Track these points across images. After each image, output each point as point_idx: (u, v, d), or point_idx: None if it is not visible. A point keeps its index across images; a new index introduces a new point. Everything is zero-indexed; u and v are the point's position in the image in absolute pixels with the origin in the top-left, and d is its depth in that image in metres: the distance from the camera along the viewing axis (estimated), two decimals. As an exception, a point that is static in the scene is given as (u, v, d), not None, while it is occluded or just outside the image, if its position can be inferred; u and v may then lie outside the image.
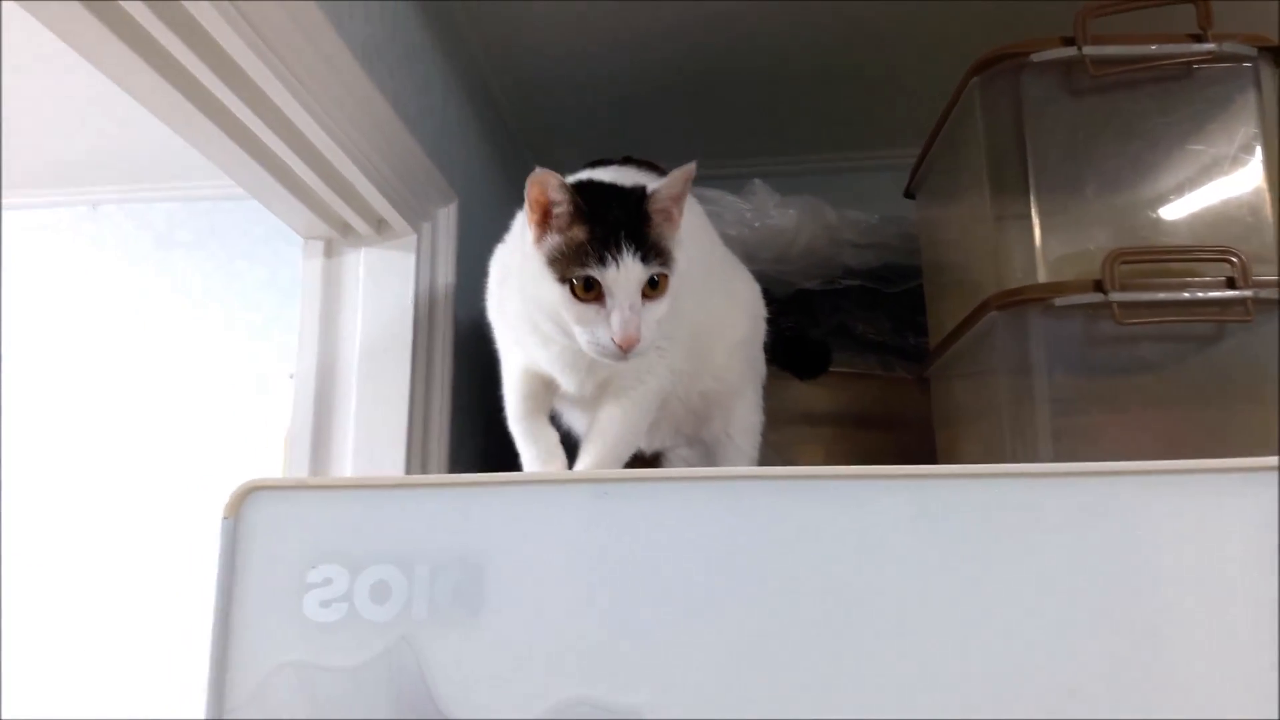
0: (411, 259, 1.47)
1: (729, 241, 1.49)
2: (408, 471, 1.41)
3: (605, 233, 0.95)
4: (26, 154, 2.17)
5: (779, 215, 1.51)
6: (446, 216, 1.56)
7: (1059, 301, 1.10)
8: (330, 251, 1.49)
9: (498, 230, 1.29)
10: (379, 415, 1.43)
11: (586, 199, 0.98)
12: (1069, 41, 1.15)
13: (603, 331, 0.95)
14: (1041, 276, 1.12)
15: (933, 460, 1.53)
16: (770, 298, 1.55)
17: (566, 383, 1.10)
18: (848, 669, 0.73)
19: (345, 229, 1.48)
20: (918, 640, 0.71)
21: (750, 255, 1.50)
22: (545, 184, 0.97)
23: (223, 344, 2.25)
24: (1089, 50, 1.14)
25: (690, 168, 0.99)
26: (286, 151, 1.22)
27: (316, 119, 1.17)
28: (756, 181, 1.58)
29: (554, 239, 0.99)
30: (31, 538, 2.12)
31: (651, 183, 1.01)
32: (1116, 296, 1.07)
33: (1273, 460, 0.65)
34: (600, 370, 1.07)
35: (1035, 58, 1.17)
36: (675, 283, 0.99)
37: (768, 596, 0.77)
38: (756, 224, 1.50)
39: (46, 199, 2.31)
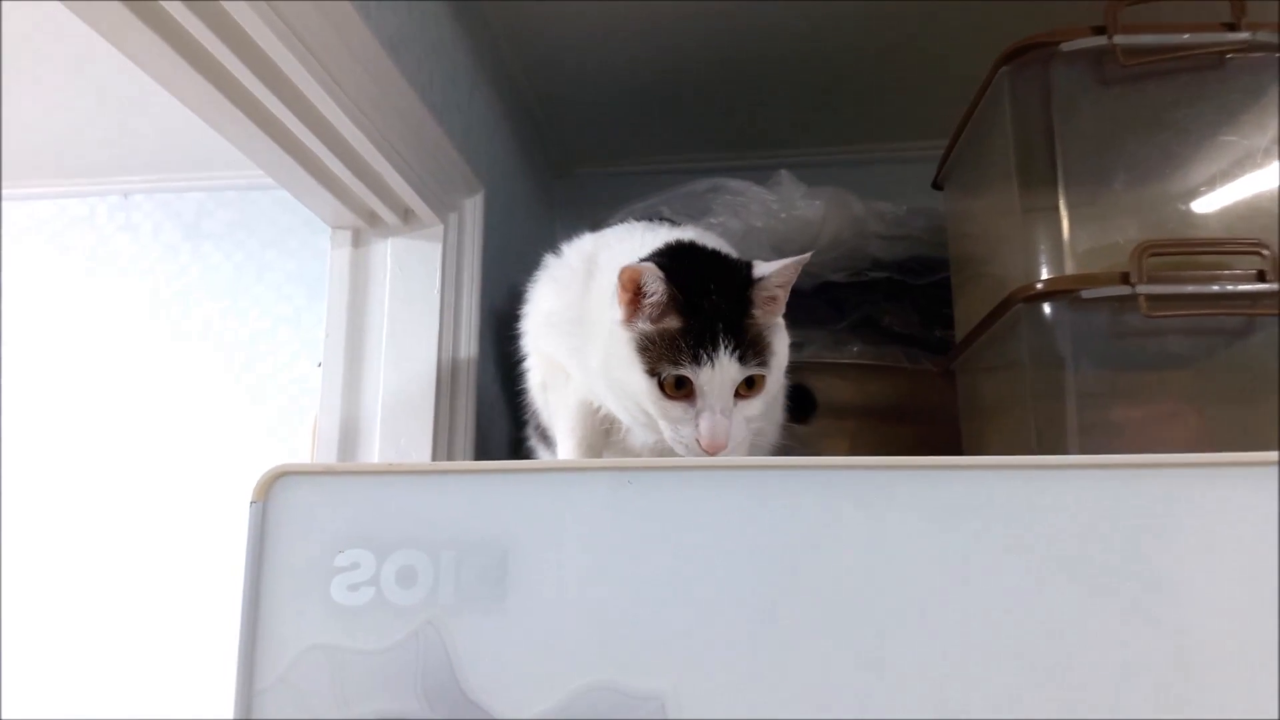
0: (438, 249, 1.48)
1: (754, 234, 1.49)
2: (434, 456, 1.42)
3: (701, 326, 0.87)
4: (58, 144, 2.19)
5: (805, 206, 1.50)
6: (473, 207, 1.56)
7: (1086, 293, 1.09)
8: (358, 241, 1.50)
9: (523, 221, 1.29)
10: (406, 404, 1.45)
11: (683, 283, 0.89)
12: (1099, 31, 1.14)
13: (689, 431, 0.88)
14: (1069, 269, 1.11)
15: (957, 454, 1.52)
16: (795, 291, 1.55)
17: (645, 438, 1.02)
18: (870, 659, 0.74)
19: (373, 219, 1.49)
20: (927, 632, 0.72)
21: (776, 247, 1.50)
22: (639, 277, 0.89)
23: (252, 334, 2.27)
24: (1119, 39, 1.13)
25: (805, 257, 0.92)
26: (313, 140, 1.23)
27: (344, 108, 1.18)
28: (783, 172, 1.57)
29: (644, 326, 0.91)
30: (55, 528, 2.15)
31: (759, 265, 0.92)
32: (1144, 289, 1.06)
33: (1273, 455, 0.65)
34: None
35: (1065, 47, 1.16)
36: (774, 379, 0.92)
37: (791, 585, 0.77)
38: (783, 215, 1.50)
39: (78, 189, 2.33)
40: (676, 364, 0.87)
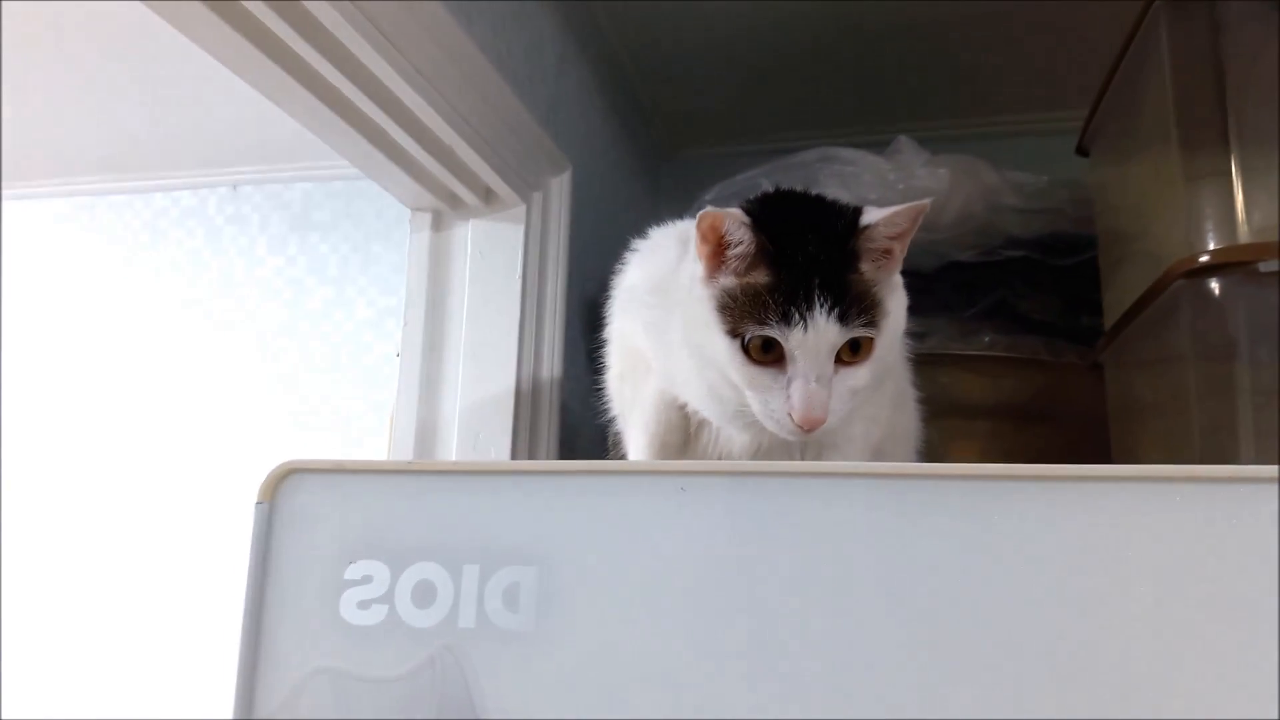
0: (520, 231, 1.37)
1: (867, 205, 1.33)
2: (514, 454, 1.31)
3: (794, 281, 0.75)
4: (171, 136, 2.19)
5: (928, 175, 1.33)
6: (559, 186, 1.45)
7: (1264, 267, 0.89)
8: (438, 224, 1.41)
9: (621, 204, 1.16)
10: (485, 397, 1.34)
11: (774, 231, 0.77)
12: (1283, -51, 0.94)
13: (779, 404, 0.75)
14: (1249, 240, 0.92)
15: (1104, 458, 1.33)
16: (917, 272, 1.38)
17: (740, 438, 0.88)
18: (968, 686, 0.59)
19: (453, 200, 1.39)
20: (915, 638, 0.62)
21: (893, 224, 1.33)
22: (719, 224, 0.77)
23: (358, 325, 2.22)
24: (1310, -42, 0.93)
25: (925, 203, 0.78)
26: (376, 112, 1.14)
27: (406, 78, 1.08)
28: (901, 138, 1.40)
29: (728, 280, 0.78)
30: (132, 509, 2.15)
31: (870, 211, 0.79)
32: (1340, 261, 0.86)
33: (1273, 470, 0.57)
34: None
35: (1239, -29, 0.96)
36: (884, 344, 0.77)
37: (875, 608, 0.63)
38: (900, 185, 1.33)
39: (189, 180, 2.33)
40: (763, 323, 0.74)
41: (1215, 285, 0.94)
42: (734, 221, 0.76)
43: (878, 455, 0.93)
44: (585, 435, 1.49)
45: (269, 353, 2.22)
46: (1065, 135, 1.43)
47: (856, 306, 0.74)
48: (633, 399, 1.00)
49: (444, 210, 1.41)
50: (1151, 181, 1.12)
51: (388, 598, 0.70)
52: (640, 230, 1.09)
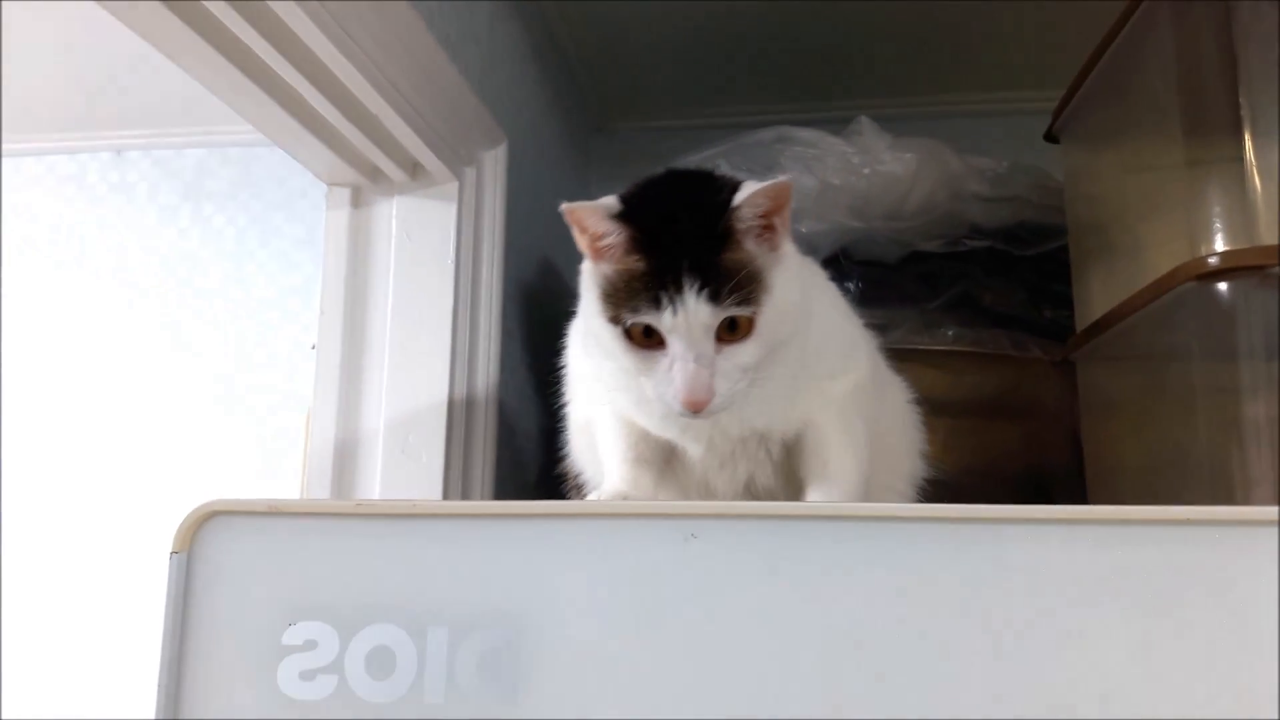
0: (453, 209, 1.25)
1: (831, 193, 1.24)
2: (447, 461, 1.19)
3: (664, 265, 0.76)
4: (46, 96, 1.98)
5: (893, 160, 1.25)
6: (494, 160, 1.32)
7: (1281, 270, 0.83)
8: (358, 201, 1.27)
9: (548, 176, 1.05)
10: (415, 395, 1.22)
11: (644, 221, 0.78)
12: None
13: (666, 386, 0.76)
14: (1263, 238, 0.86)
15: (1070, 456, 1.28)
16: (880, 263, 1.30)
17: (692, 449, 0.86)
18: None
19: (375, 174, 1.26)
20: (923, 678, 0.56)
21: (857, 210, 1.25)
22: (582, 220, 0.80)
23: (259, 305, 2.06)
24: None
25: (785, 182, 0.78)
26: (291, 73, 1.00)
27: (325, 31, 0.94)
28: (863, 119, 1.32)
29: (607, 268, 0.80)
30: (34, 507, 1.95)
31: (745, 187, 0.79)
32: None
33: (1273, 511, 0.55)
34: (735, 422, 0.83)
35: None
36: (769, 319, 0.77)
37: (905, 662, 0.56)
38: (865, 171, 1.24)
39: (66, 144, 2.12)
40: (636, 309, 0.76)
41: (1225, 288, 0.87)
42: (592, 213, 0.79)
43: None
44: (523, 433, 1.38)
45: (161, 337, 2.04)
46: (1027, 117, 1.37)
47: (728, 285, 0.74)
48: (601, 430, 0.92)
49: (364, 185, 1.28)
50: (1143, 168, 1.05)
51: (336, 666, 0.59)
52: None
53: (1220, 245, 0.89)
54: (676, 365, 0.75)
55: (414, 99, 1.13)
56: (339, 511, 0.61)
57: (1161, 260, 0.95)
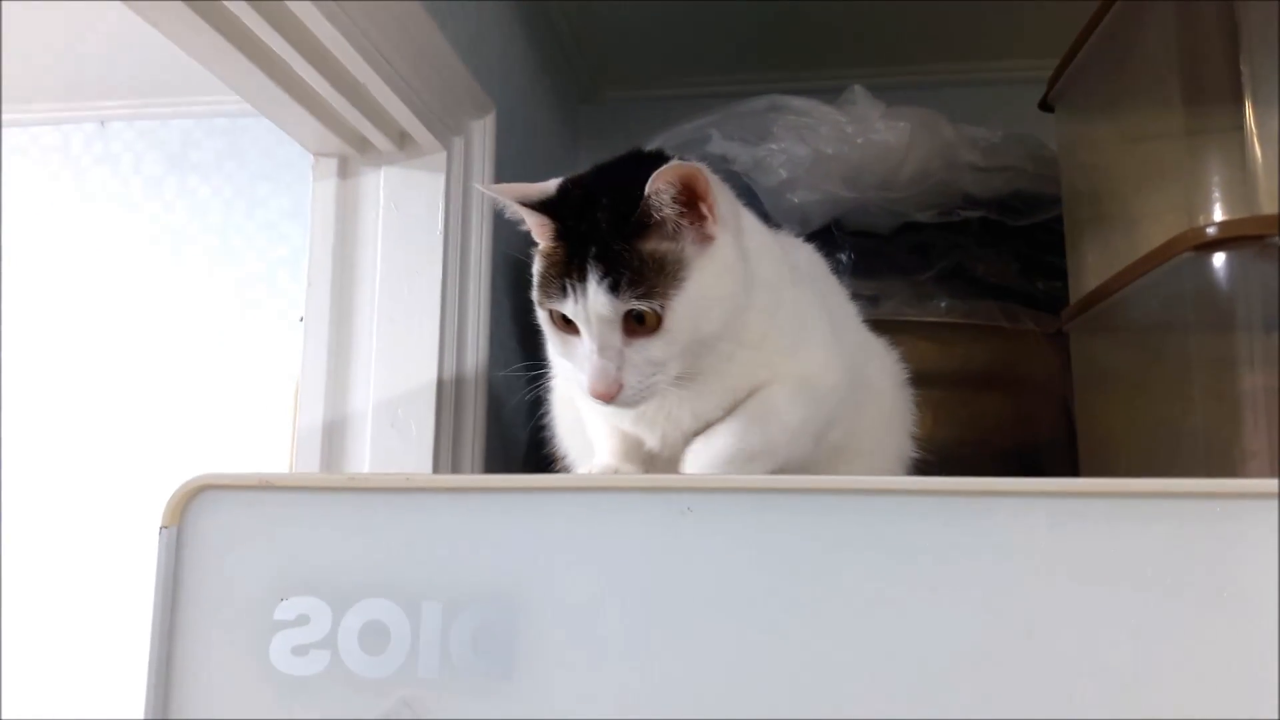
0: (440, 180, 1.23)
1: (823, 162, 1.23)
2: (437, 435, 1.18)
3: (572, 252, 0.75)
4: (28, 65, 1.95)
5: (886, 129, 1.23)
6: (482, 130, 1.30)
7: (1281, 240, 0.83)
8: (345, 171, 1.25)
9: (537, 146, 1.04)
10: (403, 368, 1.20)
11: (567, 202, 0.77)
12: None
13: (581, 374, 0.75)
14: (1264, 209, 0.85)
15: (1062, 429, 1.28)
16: (873, 233, 1.29)
17: (645, 435, 0.83)
18: None
19: (362, 144, 1.24)
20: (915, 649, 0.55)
21: (850, 180, 1.23)
22: (499, 201, 0.80)
23: (242, 279, 2.04)
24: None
25: (690, 167, 0.73)
26: (278, 41, 0.98)
27: (315, 2, 0.92)
28: (856, 88, 1.30)
29: (540, 250, 0.80)
30: (24, 484, 1.94)
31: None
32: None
33: (1272, 484, 0.54)
34: (687, 415, 0.80)
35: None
36: (680, 314, 0.73)
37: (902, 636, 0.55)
38: (859, 139, 1.23)
39: (50, 115, 2.08)
40: (549, 296, 0.76)
41: (1223, 258, 0.86)
42: (510, 193, 0.78)
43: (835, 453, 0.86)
44: (512, 407, 1.37)
45: (147, 310, 2.02)
46: (1021, 86, 1.36)
47: (632, 278, 0.72)
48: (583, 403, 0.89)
49: (351, 156, 1.26)
50: (1141, 138, 1.04)
51: (329, 642, 0.58)
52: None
53: (1219, 216, 0.88)
54: (582, 352, 0.74)
55: (401, 67, 1.11)
56: (331, 485, 0.60)
57: (1158, 231, 0.94)
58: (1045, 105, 1.27)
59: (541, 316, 0.79)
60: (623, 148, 1.42)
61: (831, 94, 1.34)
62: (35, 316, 2.04)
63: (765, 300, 0.79)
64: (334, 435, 1.19)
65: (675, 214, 0.74)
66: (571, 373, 0.77)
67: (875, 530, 0.57)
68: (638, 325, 0.73)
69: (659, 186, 0.72)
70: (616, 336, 0.73)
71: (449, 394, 1.20)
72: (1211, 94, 0.90)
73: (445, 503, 0.59)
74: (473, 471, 1.22)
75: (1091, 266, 1.14)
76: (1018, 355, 1.30)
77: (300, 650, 0.58)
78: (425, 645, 0.57)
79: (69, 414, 1.98)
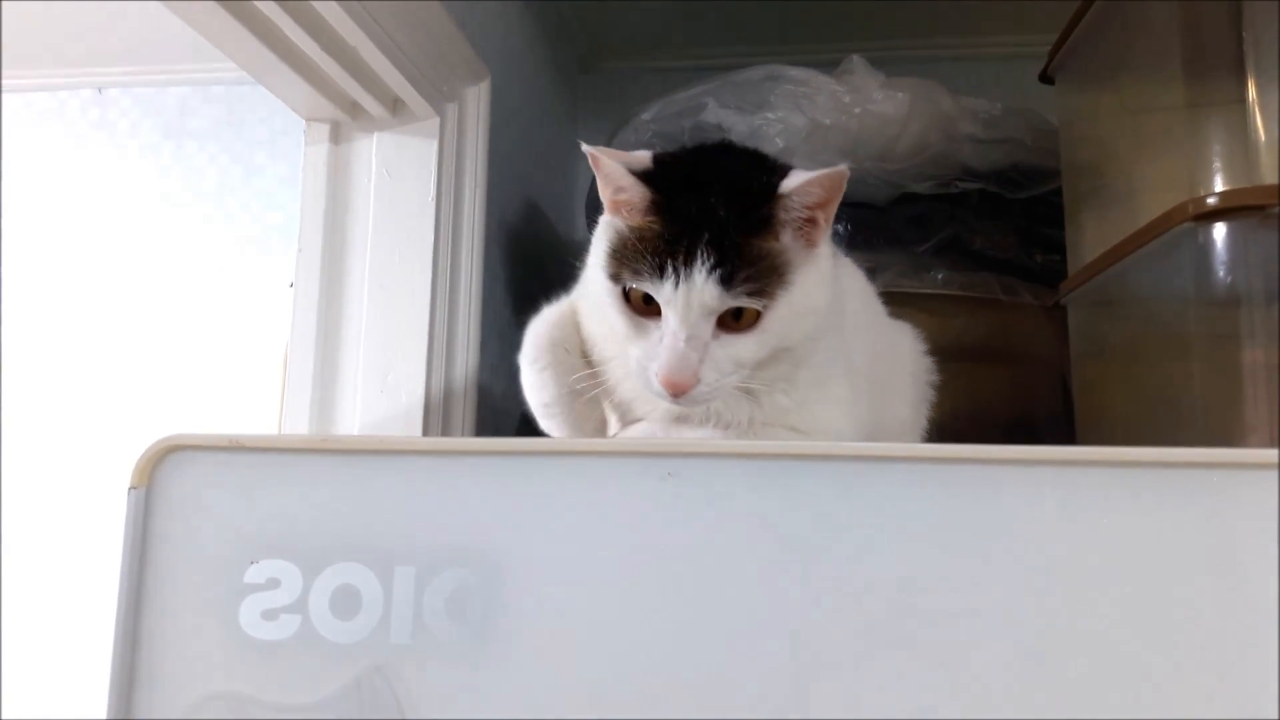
0: (433, 146, 1.21)
1: (821, 132, 1.21)
2: (426, 401, 1.17)
3: (678, 233, 0.70)
4: (26, 31, 1.93)
5: (885, 99, 1.21)
6: (477, 96, 1.29)
7: (1282, 210, 0.81)
8: (337, 137, 1.24)
9: (533, 115, 1.02)
10: (394, 334, 1.19)
11: (673, 181, 0.73)
12: None
13: (651, 360, 0.71)
14: (1265, 181, 0.83)
15: (1059, 402, 1.27)
16: (870, 204, 1.28)
17: (639, 407, 0.80)
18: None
19: (354, 110, 1.22)
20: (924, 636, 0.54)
21: (847, 151, 1.21)
22: (603, 168, 0.74)
23: (238, 244, 2.02)
24: None
25: (842, 170, 0.71)
26: (269, 4, 0.96)
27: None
28: (854, 58, 1.28)
29: (620, 224, 0.74)
30: (14, 443, 1.93)
31: (795, 174, 0.72)
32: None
33: (1273, 454, 0.54)
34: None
35: None
36: (779, 317, 0.71)
37: (893, 606, 0.55)
38: (857, 110, 1.21)
39: (47, 81, 2.07)
40: (637, 273, 0.70)
41: (1223, 229, 0.85)
42: (612, 164, 0.73)
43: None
44: (504, 375, 1.36)
45: (142, 275, 2.01)
46: (1021, 60, 1.34)
47: (746, 272, 0.69)
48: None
49: (344, 121, 1.24)
50: (1142, 110, 1.03)
51: (300, 606, 0.57)
52: (563, 152, 0.95)
53: (1220, 188, 0.87)
54: (665, 341, 0.70)
55: (394, 31, 1.09)
56: (303, 447, 0.59)
57: (1158, 204, 0.92)
58: (1045, 77, 1.25)
59: (609, 291, 0.73)
60: (622, 117, 1.41)
61: (831, 68, 1.32)
62: (31, 282, 2.03)
63: (825, 326, 0.76)
64: (323, 400, 1.18)
65: (804, 217, 0.72)
66: (637, 358, 0.72)
67: (864, 497, 0.56)
68: (732, 321, 0.71)
69: (809, 189, 0.71)
70: (708, 329, 0.70)
71: (439, 359, 1.19)
72: (1213, 65, 0.89)
73: (420, 465, 0.58)
74: (464, 435, 1.21)
75: (1090, 239, 1.13)
76: (1015, 328, 1.29)
77: (270, 614, 0.57)
78: (398, 610, 0.57)
79: (63, 378, 1.97)
